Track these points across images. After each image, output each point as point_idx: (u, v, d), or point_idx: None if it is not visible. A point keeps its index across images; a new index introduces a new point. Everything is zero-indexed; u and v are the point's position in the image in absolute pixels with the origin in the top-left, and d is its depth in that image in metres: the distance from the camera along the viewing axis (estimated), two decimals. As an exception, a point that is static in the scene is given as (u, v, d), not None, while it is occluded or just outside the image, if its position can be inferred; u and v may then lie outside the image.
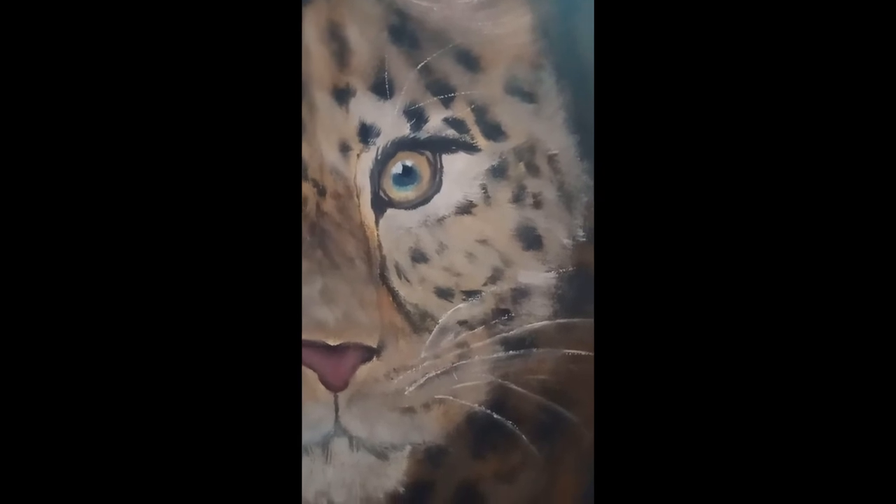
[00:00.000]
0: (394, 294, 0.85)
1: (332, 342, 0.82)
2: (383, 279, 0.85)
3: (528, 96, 0.89)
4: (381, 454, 0.85)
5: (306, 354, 0.82)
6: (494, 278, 0.87)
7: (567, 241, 0.89)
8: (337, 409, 0.83)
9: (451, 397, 0.86)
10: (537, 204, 0.88)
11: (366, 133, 0.85)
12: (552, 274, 0.89)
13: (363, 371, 0.83)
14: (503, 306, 0.88)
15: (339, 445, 0.84)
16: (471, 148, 0.87)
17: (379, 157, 0.85)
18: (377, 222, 0.85)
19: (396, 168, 0.86)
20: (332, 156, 0.84)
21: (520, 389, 0.87)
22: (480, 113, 0.87)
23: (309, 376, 0.82)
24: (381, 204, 0.86)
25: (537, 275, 0.88)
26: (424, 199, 0.86)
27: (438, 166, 0.86)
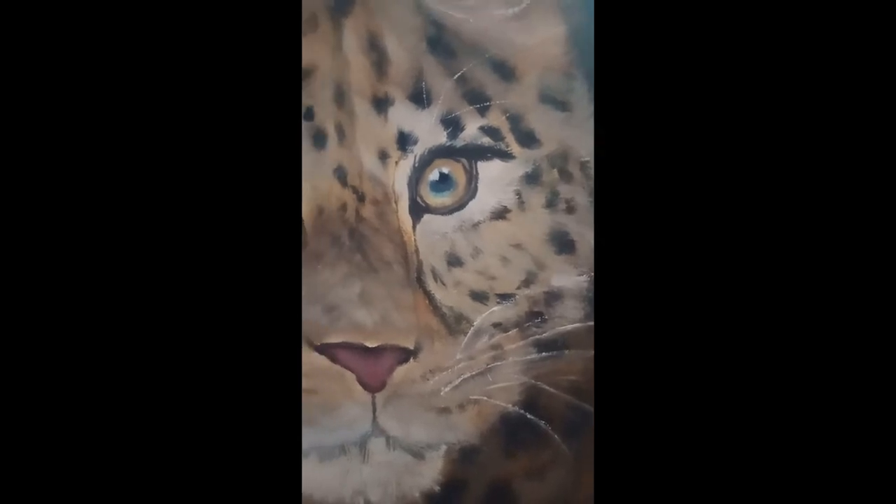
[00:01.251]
0: (430, 297, 0.86)
1: (369, 344, 0.82)
2: (420, 283, 0.86)
3: (561, 105, 0.90)
4: (417, 453, 0.86)
5: (344, 356, 0.83)
6: (528, 282, 0.88)
7: (598, 246, 0.90)
8: (374, 410, 0.84)
9: (485, 398, 0.87)
10: (570, 209, 0.89)
11: (404, 141, 0.86)
12: (584, 277, 0.89)
13: (400, 372, 0.84)
14: (536, 309, 0.89)
15: (377, 445, 0.85)
16: (505, 155, 0.88)
17: (416, 165, 0.86)
18: (414, 227, 0.87)
19: (433, 175, 0.87)
20: (371, 163, 0.86)
21: (551, 389, 0.88)
22: (515, 121, 0.88)
23: (347, 377, 0.83)
24: (418, 210, 0.87)
25: (569, 278, 0.89)
26: (460, 205, 0.87)
27: (474, 173, 0.88)
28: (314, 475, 0.86)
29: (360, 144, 0.86)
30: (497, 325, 0.88)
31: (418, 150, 0.86)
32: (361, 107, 0.86)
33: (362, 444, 0.85)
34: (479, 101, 0.87)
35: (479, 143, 0.87)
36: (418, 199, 0.87)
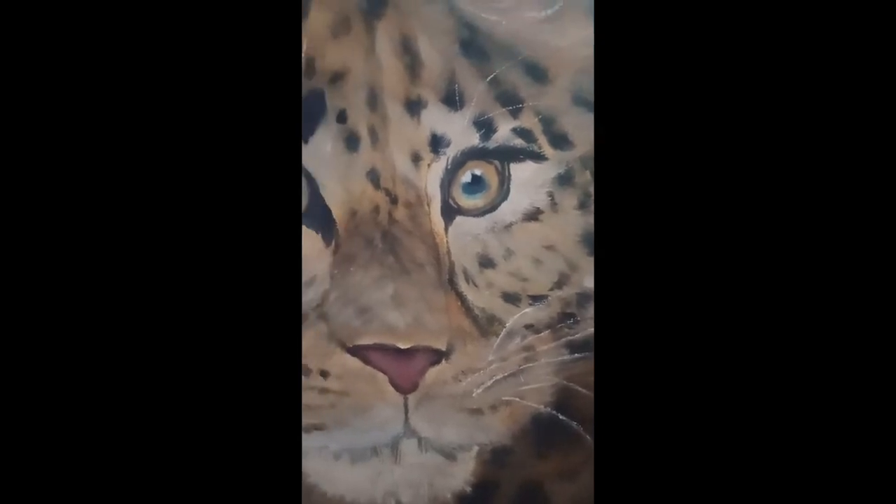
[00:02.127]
0: (462, 299, 0.86)
1: (402, 345, 0.83)
2: (452, 284, 0.86)
3: (594, 106, 0.90)
4: (449, 455, 0.86)
5: (377, 357, 0.83)
6: (560, 283, 0.89)
7: (631, 247, 0.90)
8: (406, 411, 0.84)
9: (517, 399, 0.87)
10: (602, 211, 0.90)
11: (436, 143, 0.86)
12: (616, 279, 0.90)
13: (432, 374, 0.84)
14: (569, 310, 0.89)
15: (408, 446, 0.85)
16: (538, 157, 0.88)
17: (449, 167, 0.86)
18: (446, 229, 0.87)
19: (466, 177, 0.87)
20: (403, 165, 0.86)
21: (583, 391, 0.87)
22: (547, 123, 0.88)
23: (379, 379, 0.83)
24: (450, 212, 0.87)
25: (602, 280, 0.89)
26: (492, 207, 0.87)
27: (506, 175, 0.88)
28: (346, 476, 0.86)
29: (393, 147, 0.86)
30: (529, 327, 0.88)
31: (451, 152, 0.86)
32: (394, 109, 0.86)
33: (394, 446, 0.85)
34: (511, 102, 0.87)
35: (512, 144, 0.87)
36: (450, 201, 0.87)
